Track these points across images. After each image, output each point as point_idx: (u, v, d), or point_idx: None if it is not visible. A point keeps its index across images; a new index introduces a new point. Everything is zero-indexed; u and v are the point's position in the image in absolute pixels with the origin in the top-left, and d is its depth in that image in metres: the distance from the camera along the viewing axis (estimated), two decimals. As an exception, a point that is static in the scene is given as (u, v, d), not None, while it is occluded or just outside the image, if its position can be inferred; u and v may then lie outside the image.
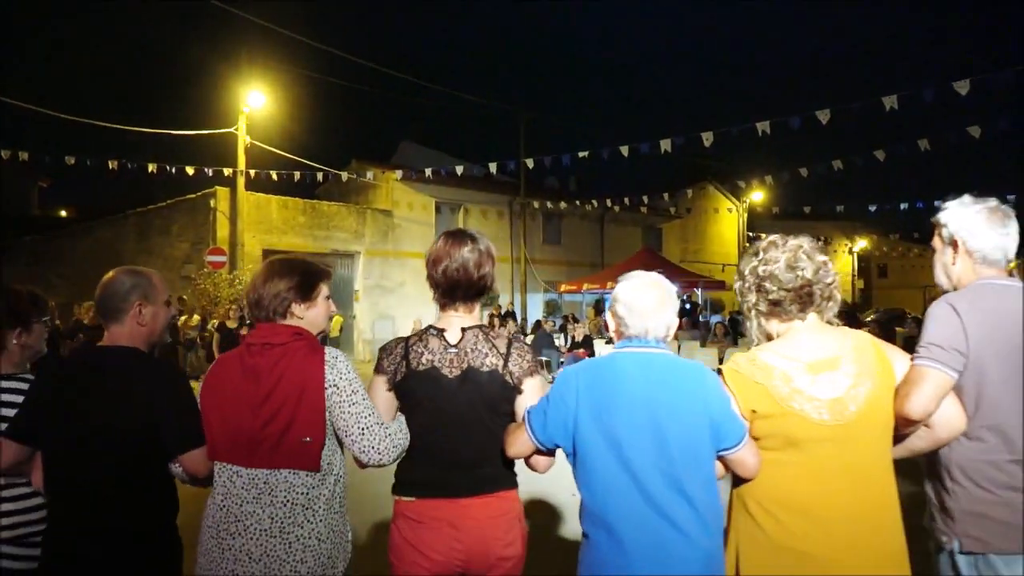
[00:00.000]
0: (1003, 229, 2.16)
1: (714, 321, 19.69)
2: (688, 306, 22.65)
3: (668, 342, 2.16)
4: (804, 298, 2.04)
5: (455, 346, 2.26)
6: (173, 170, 16.90)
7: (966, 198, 2.23)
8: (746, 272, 2.14)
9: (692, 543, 1.93)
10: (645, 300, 2.11)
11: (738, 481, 2.07)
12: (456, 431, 2.20)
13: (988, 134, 12.84)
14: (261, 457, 2.10)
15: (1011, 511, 2.00)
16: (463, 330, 2.30)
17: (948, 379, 1.99)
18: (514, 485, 2.28)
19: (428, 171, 18.64)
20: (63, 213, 36.45)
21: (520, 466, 2.26)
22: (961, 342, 2.01)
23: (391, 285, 22.96)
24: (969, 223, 2.18)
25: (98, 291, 2.30)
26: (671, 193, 26.25)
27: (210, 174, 17.61)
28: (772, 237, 2.16)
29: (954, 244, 2.22)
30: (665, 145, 14.49)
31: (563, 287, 24.12)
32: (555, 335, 18.16)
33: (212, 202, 19.24)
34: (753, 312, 2.14)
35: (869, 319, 19.10)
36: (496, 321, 20.10)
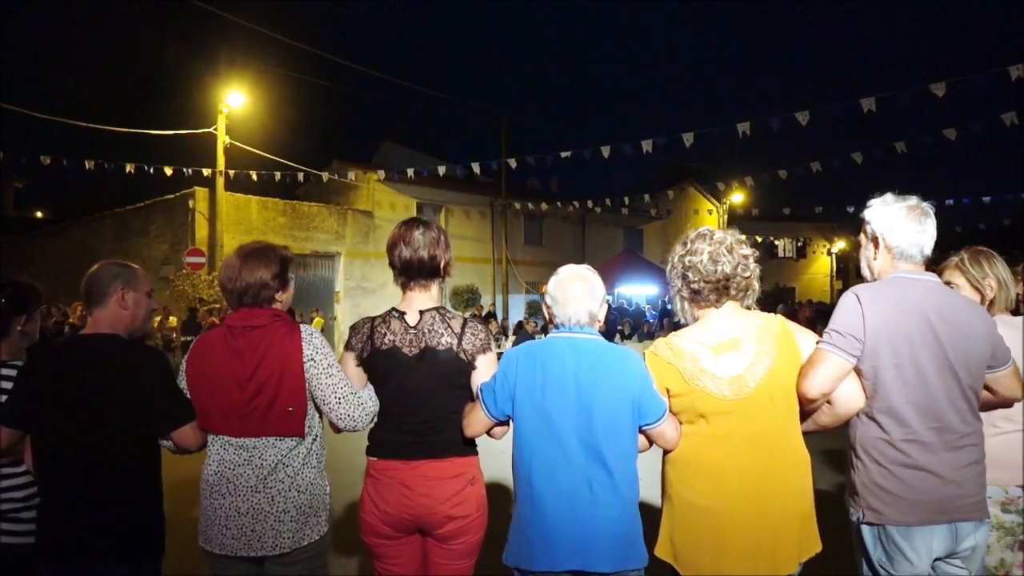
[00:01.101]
0: (919, 227, 2.30)
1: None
2: (670, 307, 22.73)
3: (596, 327, 2.41)
4: (721, 290, 2.26)
5: (414, 327, 2.51)
6: (151, 170, 16.68)
7: (888, 197, 2.39)
8: (675, 259, 2.37)
9: (604, 506, 2.20)
10: (568, 292, 2.38)
11: (665, 452, 2.34)
12: (415, 402, 2.46)
13: (964, 136, 13.02)
14: (251, 427, 2.37)
15: (905, 486, 2.17)
16: (421, 312, 2.54)
17: (844, 363, 2.17)
18: (469, 453, 2.52)
19: (410, 172, 18.58)
20: (39, 214, 36.00)
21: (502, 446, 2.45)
22: (859, 329, 2.18)
23: (372, 286, 22.85)
24: (889, 221, 2.34)
25: (84, 279, 2.49)
26: (652, 194, 26.37)
27: (189, 174, 17.42)
28: (702, 230, 2.37)
29: (875, 240, 2.38)
30: (647, 146, 14.55)
31: (544, 288, 24.03)
32: (537, 336, 18.17)
33: (191, 203, 19.04)
34: (678, 298, 2.39)
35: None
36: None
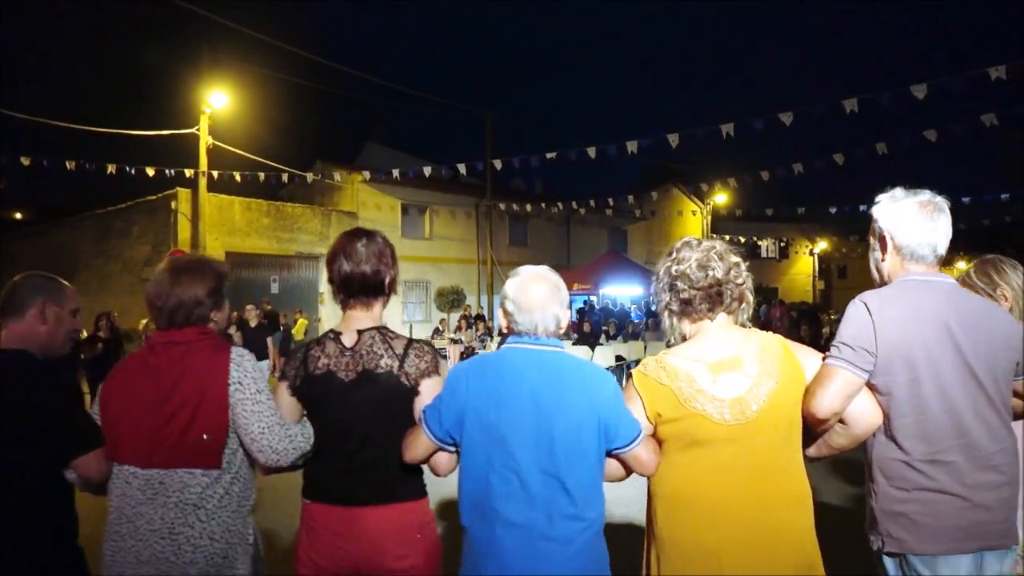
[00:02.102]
0: (932, 224, 2.12)
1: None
2: (654, 307, 22.80)
3: (561, 335, 2.18)
4: (714, 297, 2.06)
5: (351, 349, 2.26)
6: (133, 171, 16.52)
7: (898, 191, 2.20)
8: (661, 272, 2.16)
9: (564, 541, 1.95)
10: (532, 295, 2.12)
11: (651, 481, 2.09)
12: (352, 435, 2.20)
13: (944, 137, 13.17)
14: (161, 456, 2.09)
15: (926, 511, 1.99)
16: (359, 332, 2.29)
17: (856, 378, 2.00)
18: (417, 495, 2.25)
19: (396, 172, 18.53)
20: (18, 215, 35.57)
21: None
22: (870, 341, 2.01)
23: (357, 287, 22.79)
24: (898, 218, 2.15)
25: (4, 289, 2.28)
26: (636, 195, 26.46)
27: (171, 175, 17.27)
28: (687, 239, 2.19)
29: (883, 240, 2.20)
30: (631, 147, 14.59)
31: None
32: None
33: (173, 204, 18.91)
34: (667, 312, 2.16)
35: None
36: (463, 323, 20.06)
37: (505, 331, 2.19)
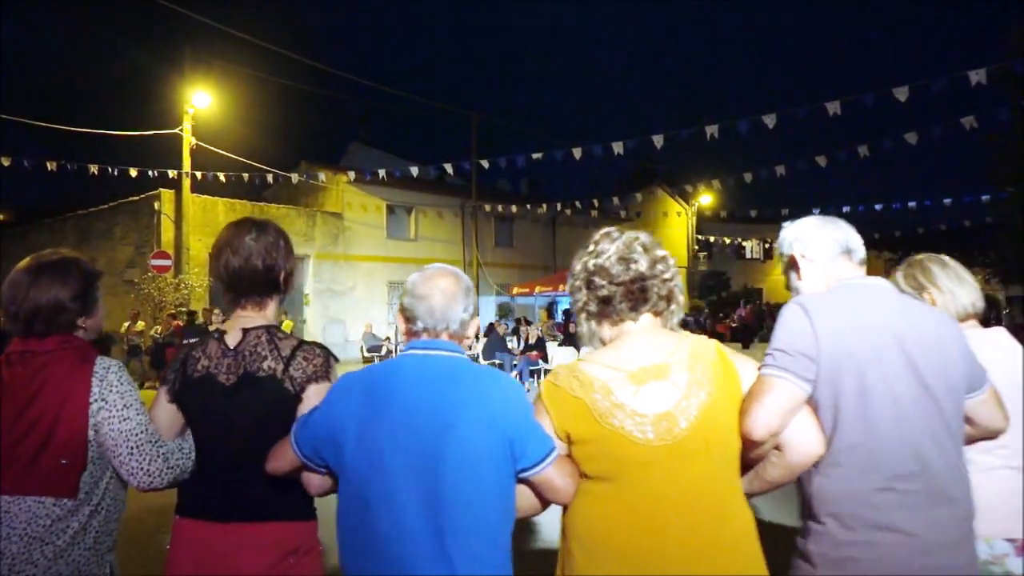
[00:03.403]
0: (833, 227, 1.97)
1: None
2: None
3: (464, 344, 1.88)
4: (636, 294, 1.74)
5: (233, 350, 1.99)
6: (115, 172, 16.41)
7: (786, 223, 2.10)
8: (577, 267, 1.85)
9: None
10: (434, 292, 1.82)
11: (564, 515, 1.74)
12: (229, 445, 1.95)
13: (925, 139, 13.32)
14: (9, 481, 1.83)
15: (878, 555, 1.64)
16: (245, 331, 2.02)
17: (796, 390, 1.67)
18: (297, 517, 1.96)
19: (382, 172, 18.49)
20: (-2, 216, 35.16)
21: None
22: (810, 346, 1.71)
23: (341, 289, 22.71)
24: (797, 232, 2.01)
25: None
26: (621, 197, 26.54)
27: (154, 176, 17.15)
28: (607, 230, 1.88)
29: (793, 261, 2.01)
30: (617, 148, 14.65)
31: (515, 290, 24.15)
32: (508, 338, 18.18)
33: (156, 204, 18.77)
34: (583, 314, 1.83)
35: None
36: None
37: (404, 336, 1.89)
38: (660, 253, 1.80)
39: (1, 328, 10.88)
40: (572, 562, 1.66)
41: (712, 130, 13.43)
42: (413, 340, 1.82)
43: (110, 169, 16.32)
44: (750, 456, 1.69)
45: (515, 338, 18.58)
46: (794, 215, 2.21)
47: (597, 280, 1.77)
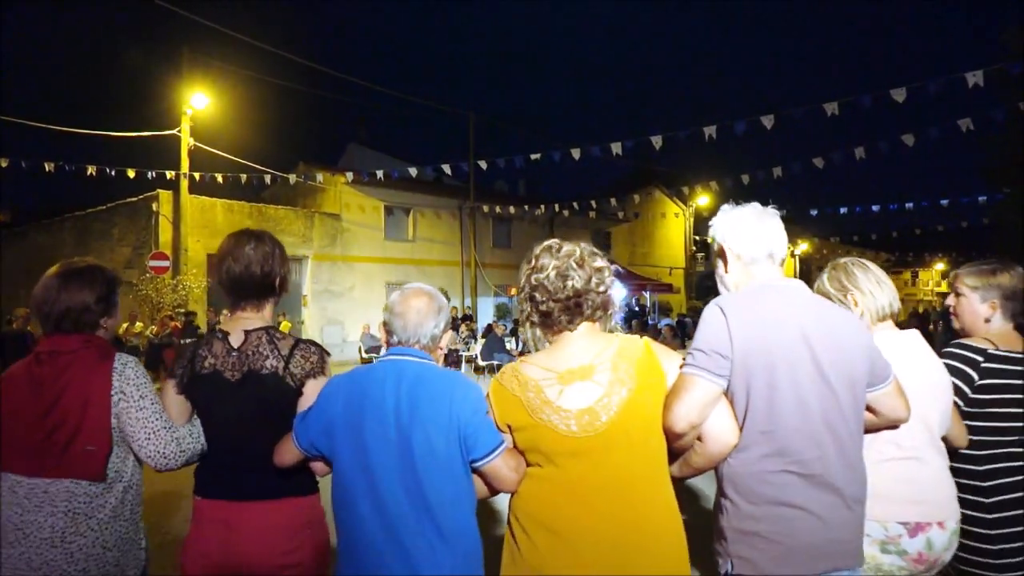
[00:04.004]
0: (760, 225, 2.11)
1: (663, 324, 19.98)
2: (637, 309, 22.93)
3: (437, 355, 2.16)
4: (573, 308, 1.95)
5: (237, 349, 2.27)
6: (113, 173, 16.39)
7: (726, 206, 2.20)
8: (522, 280, 2.05)
9: (430, 564, 1.90)
10: (409, 305, 2.12)
11: (511, 498, 1.99)
12: (238, 434, 2.23)
13: (923, 140, 13.34)
14: (45, 467, 2.10)
15: (779, 528, 1.85)
16: (246, 333, 2.29)
17: (712, 386, 1.86)
18: (305, 492, 2.25)
19: (379, 173, 18.50)
20: (-5, 217, 35.11)
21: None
22: (725, 345, 1.88)
23: (340, 290, 22.70)
24: (730, 227, 2.14)
25: None
26: (619, 198, 26.55)
27: (152, 177, 17.14)
28: (549, 242, 2.08)
29: (722, 252, 2.17)
30: (616, 148, 14.66)
31: (513, 290, 24.15)
32: (506, 339, 18.20)
33: (154, 205, 18.75)
34: (528, 323, 2.04)
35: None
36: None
37: (385, 344, 2.19)
38: (596, 266, 2.00)
39: (4, 332, 10.95)
40: (515, 537, 1.92)
41: (710, 131, 13.45)
42: (390, 349, 2.12)
43: (108, 170, 16.30)
44: (675, 445, 1.91)
45: (513, 339, 18.61)
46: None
47: (538, 296, 1.98)
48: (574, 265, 1.97)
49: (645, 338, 2.01)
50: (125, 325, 16.04)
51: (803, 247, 43.26)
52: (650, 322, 21.82)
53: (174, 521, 5.32)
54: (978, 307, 2.66)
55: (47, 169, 15.50)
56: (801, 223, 38.68)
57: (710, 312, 1.96)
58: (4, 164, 14.98)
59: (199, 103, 18.37)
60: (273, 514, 2.19)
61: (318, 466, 2.16)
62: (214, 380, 2.23)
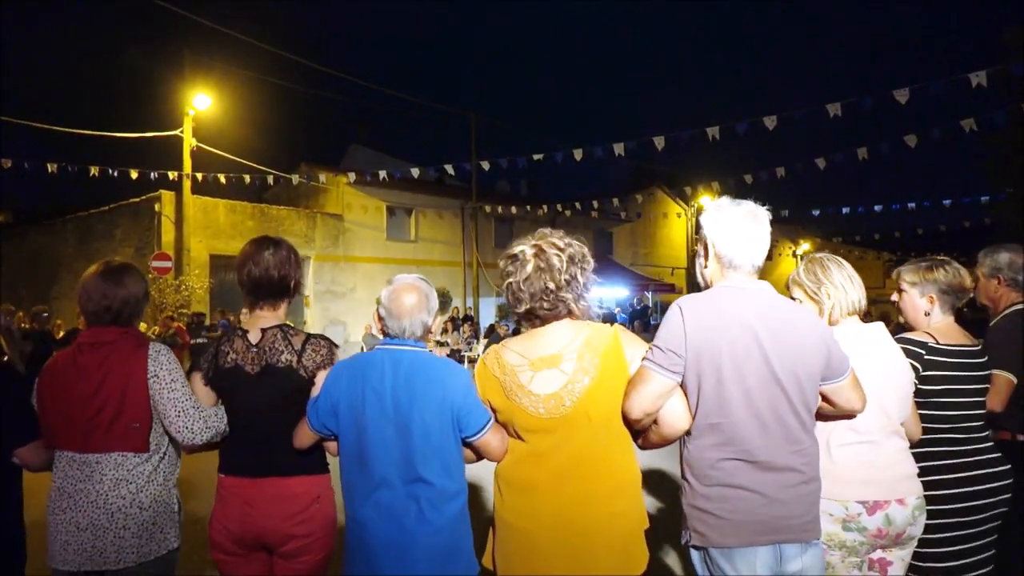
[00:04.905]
0: (749, 234, 2.19)
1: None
2: (640, 308, 22.92)
3: (431, 339, 2.42)
4: (547, 309, 2.16)
5: (256, 345, 2.54)
6: (116, 173, 16.39)
7: (723, 201, 2.27)
8: (503, 286, 2.24)
9: (425, 521, 2.17)
10: (402, 303, 2.33)
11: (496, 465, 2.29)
12: (257, 419, 2.49)
13: (925, 140, 13.33)
14: (95, 443, 2.40)
15: (726, 507, 2.07)
16: (263, 330, 2.57)
17: (666, 380, 2.07)
18: (316, 471, 2.53)
19: (382, 174, 18.49)
20: (-2, 217, 35.14)
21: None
22: (679, 344, 2.08)
23: (342, 290, 22.71)
24: (720, 227, 2.23)
25: None
26: (621, 198, 26.53)
27: (155, 178, 17.14)
28: (515, 247, 2.22)
29: (706, 247, 2.28)
30: (618, 149, 14.65)
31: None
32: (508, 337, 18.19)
33: (157, 206, 18.76)
34: (513, 315, 2.27)
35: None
36: (450, 326, 20.05)
37: (379, 334, 2.41)
38: (568, 273, 2.15)
39: (59, 340, 10.99)
40: (498, 498, 2.24)
41: (713, 131, 13.44)
42: (386, 339, 2.36)
43: (111, 171, 16.30)
44: (634, 428, 2.16)
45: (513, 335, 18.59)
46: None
47: (512, 299, 2.20)
48: (539, 272, 2.15)
49: (615, 327, 2.24)
50: (144, 326, 16.04)
51: (805, 247, 43.27)
52: (652, 321, 21.80)
53: (199, 501, 5.81)
54: (918, 301, 2.87)
55: (50, 170, 15.50)
56: (803, 223, 38.66)
57: (671, 312, 2.14)
58: (7, 164, 14.99)
59: (201, 104, 18.38)
60: (286, 488, 2.45)
61: (332, 445, 2.42)
62: (236, 373, 2.51)
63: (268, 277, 2.57)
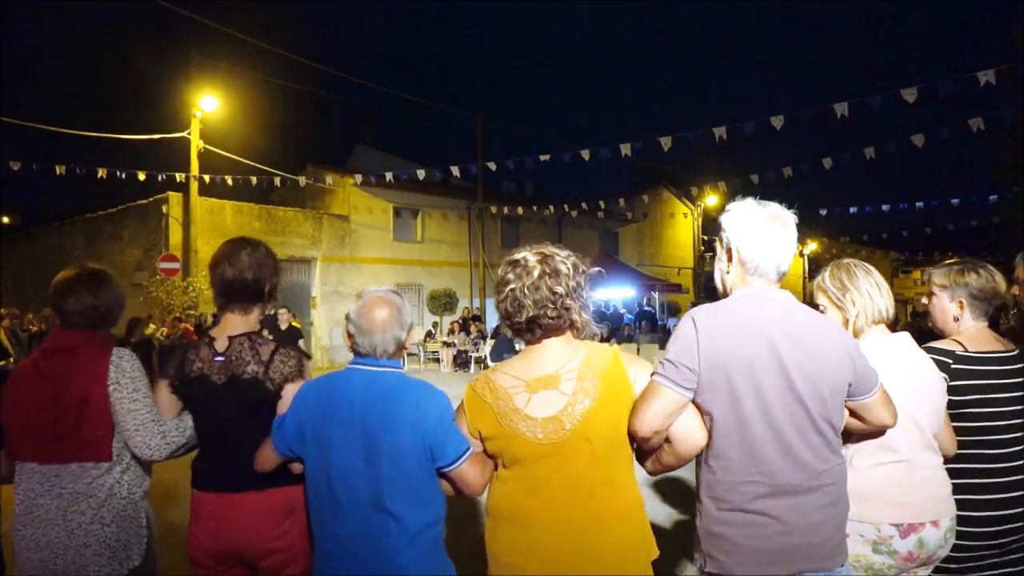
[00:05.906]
0: (776, 239, 2.04)
1: (672, 324, 19.96)
2: (648, 309, 22.89)
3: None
4: (540, 327, 2.02)
5: (222, 355, 2.40)
6: (123, 175, 16.47)
7: (749, 202, 2.11)
8: (500, 295, 2.08)
9: (395, 551, 2.02)
10: (372, 318, 2.16)
11: (488, 493, 2.10)
12: (225, 432, 2.38)
13: (932, 139, 13.28)
14: (56, 451, 2.30)
15: (744, 533, 1.93)
16: (231, 338, 2.43)
17: (677, 397, 1.91)
18: (289, 483, 2.35)
19: (388, 175, 18.53)
20: (6, 220, 35.37)
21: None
22: (692, 358, 1.92)
23: (348, 291, 22.73)
24: (745, 232, 2.06)
25: None
26: (627, 198, 26.51)
27: (162, 179, 17.22)
28: (512, 260, 2.09)
29: (729, 252, 2.11)
30: (625, 150, 14.65)
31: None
32: (515, 340, 18.17)
33: (164, 208, 18.84)
34: (509, 331, 2.19)
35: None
36: (457, 326, 20.06)
37: (351, 351, 2.23)
38: (560, 289, 1.99)
39: (135, 344, 11.04)
40: (489, 530, 2.04)
41: (720, 132, 13.42)
42: (357, 357, 2.19)
43: (118, 172, 16.37)
44: (644, 446, 1.99)
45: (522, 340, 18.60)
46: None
47: (512, 308, 2.03)
48: (528, 291, 1.99)
49: (614, 347, 2.09)
50: (152, 327, 16.11)
51: (812, 247, 43.14)
52: (659, 322, 21.78)
53: (177, 512, 5.45)
54: (947, 306, 2.69)
55: (58, 172, 15.58)
56: (811, 222, 38.58)
57: (684, 323, 2.00)
58: (15, 167, 15.07)
59: (208, 106, 18.45)
60: (260, 503, 2.33)
61: (297, 466, 2.25)
62: (202, 383, 2.38)
63: (242, 279, 2.43)
